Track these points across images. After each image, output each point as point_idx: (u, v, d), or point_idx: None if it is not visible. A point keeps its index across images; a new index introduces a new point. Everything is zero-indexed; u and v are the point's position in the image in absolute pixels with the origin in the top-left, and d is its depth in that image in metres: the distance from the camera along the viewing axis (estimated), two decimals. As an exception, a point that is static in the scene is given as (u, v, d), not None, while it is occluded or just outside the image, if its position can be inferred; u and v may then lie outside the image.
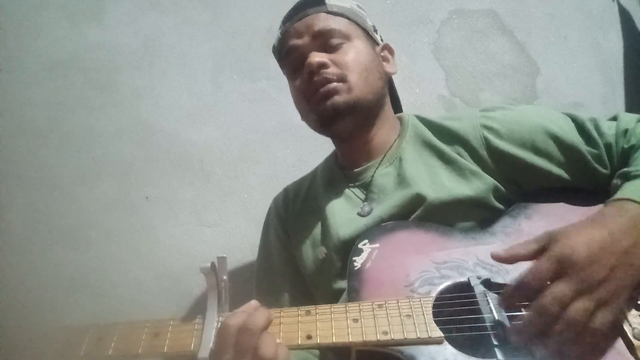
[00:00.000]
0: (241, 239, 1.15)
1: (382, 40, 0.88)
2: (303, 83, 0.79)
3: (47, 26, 1.25)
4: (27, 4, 1.26)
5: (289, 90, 0.86)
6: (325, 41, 0.78)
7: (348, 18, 0.82)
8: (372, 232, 0.70)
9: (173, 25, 1.30)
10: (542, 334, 0.49)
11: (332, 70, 0.76)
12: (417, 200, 0.72)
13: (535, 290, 0.51)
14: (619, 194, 0.60)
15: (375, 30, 0.87)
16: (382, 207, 0.76)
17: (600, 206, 0.69)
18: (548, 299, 0.49)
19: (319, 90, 0.76)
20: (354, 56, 0.78)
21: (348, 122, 0.78)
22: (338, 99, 0.75)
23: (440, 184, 0.73)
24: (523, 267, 0.61)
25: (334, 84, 0.75)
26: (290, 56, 0.81)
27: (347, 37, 0.80)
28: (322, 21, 0.79)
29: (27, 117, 1.18)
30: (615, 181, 0.66)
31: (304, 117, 0.84)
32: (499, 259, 0.57)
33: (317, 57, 0.76)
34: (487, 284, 0.59)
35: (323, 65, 0.76)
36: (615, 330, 0.51)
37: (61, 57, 1.23)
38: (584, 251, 0.51)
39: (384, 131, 0.83)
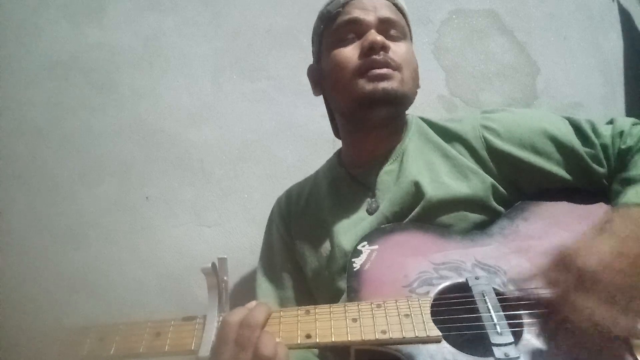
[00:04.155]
0: (241, 239, 1.16)
1: None
2: (359, 55, 0.76)
3: (47, 26, 1.25)
4: (27, 4, 1.26)
5: (328, 60, 0.81)
6: (386, 28, 0.79)
7: (406, 19, 0.84)
8: (371, 234, 0.71)
9: (173, 25, 1.30)
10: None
11: (392, 56, 0.76)
12: (416, 191, 0.73)
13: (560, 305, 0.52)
14: (623, 200, 0.60)
15: None
16: (385, 204, 0.76)
17: (597, 207, 0.70)
18: (580, 317, 0.50)
19: (374, 69, 0.75)
20: (408, 54, 0.80)
21: (386, 111, 0.77)
22: (392, 84, 0.75)
23: (439, 181, 0.74)
24: (522, 267, 0.62)
25: (391, 71, 0.75)
26: (348, 26, 0.79)
27: (404, 35, 0.81)
28: (389, 9, 0.80)
29: (27, 117, 1.18)
30: (616, 187, 0.66)
31: (341, 89, 0.79)
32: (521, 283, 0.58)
33: (380, 37, 0.75)
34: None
35: (385, 47, 0.76)
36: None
37: (61, 57, 1.23)
38: (597, 262, 0.51)
39: (397, 131, 0.84)
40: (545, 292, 0.55)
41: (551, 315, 0.54)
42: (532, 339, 0.54)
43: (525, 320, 0.55)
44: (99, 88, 1.23)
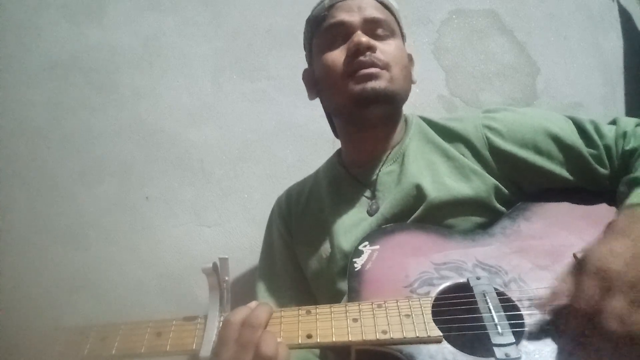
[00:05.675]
0: (241, 239, 1.15)
1: None
2: (345, 58, 0.77)
3: (47, 26, 1.25)
4: (27, 4, 1.26)
5: (318, 64, 0.82)
6: (373, 28, 0.79)
7: (394, 16, 0.84)
8: (373, 234, 0.71)
9: (173, 25, 1.30)
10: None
11: (378, 56, 0.76)
12: (418, 193, 0.73)
13: (588, 312, 0.49)
14: (629, 201, 0.60)
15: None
16: (386, 206, 0.76)
17: (599, 207, 0.70)
18: (613, 322, 0.47)
19: (361, 70, 0.75)
20: (397, 52, 0.80)
21: (380, 110, 0.77)
22: (380, 83, 0.75)
23: (440, 182, 0.73)
24: (522, 269, 0.62)
25: (379, 70, 0.75)
26: (334, 29, 0.80)
27: (392, 32, 0.81)
28: (374, 8, 0.80)
29: (27, 117, 1.18)
30: (622, 188, 0.66)
31: (333, 92, 0.80)
32: (544, 304, 0.55)
33: (365, 38, 0.76)
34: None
35: (371, 48, 0.76)
36: None
37: (61, 57, 1.23)
38: (616, 262, 0.50)
39: (396, 130, 0.84)
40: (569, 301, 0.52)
41: (575, 322, 0.50)
42: (533, 340, 0.53)
43: (527, 321, 0.55)
44: (99, 88, 1.23)
